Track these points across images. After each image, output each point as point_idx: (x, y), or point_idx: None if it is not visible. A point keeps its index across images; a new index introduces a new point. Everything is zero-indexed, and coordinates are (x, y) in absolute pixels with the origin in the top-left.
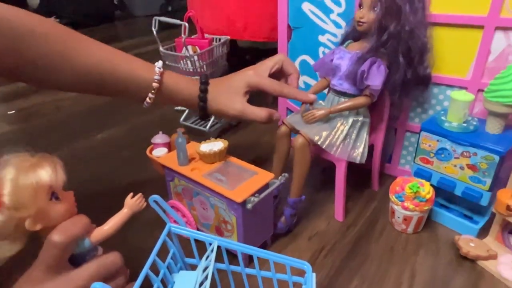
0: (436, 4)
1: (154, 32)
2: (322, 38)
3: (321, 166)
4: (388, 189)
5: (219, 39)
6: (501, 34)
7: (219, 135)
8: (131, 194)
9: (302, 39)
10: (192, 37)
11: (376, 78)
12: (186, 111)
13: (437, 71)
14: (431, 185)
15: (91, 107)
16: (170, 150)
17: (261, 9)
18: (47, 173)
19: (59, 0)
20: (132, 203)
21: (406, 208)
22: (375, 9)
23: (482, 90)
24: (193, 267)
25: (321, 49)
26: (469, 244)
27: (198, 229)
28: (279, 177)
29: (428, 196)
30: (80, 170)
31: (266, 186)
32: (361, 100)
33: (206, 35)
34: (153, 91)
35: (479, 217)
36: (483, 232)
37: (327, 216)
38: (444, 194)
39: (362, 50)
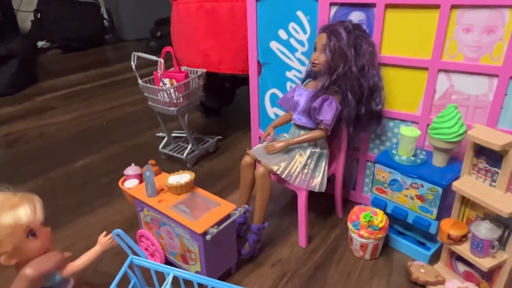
0: (386, 47)
1: (133, 67)
2: (289, 74)
3: (290, 194)
4: None
5: (196, 72)
6: (443, 76)
7: (196, 161)
8: (105, 232)
9: (271, 74)
10: (170, 70)
11: (327, 113)
12: (165, 139)
13: (391, 107)
14: (387, 213)
15: (74, 134)
16: (141, 181)
17: (235, 44)
18: (26, 213)
19: (49, 25)
20: (104, 241)
21: (361, 236)
22: (326, 52)
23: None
24: None
25: (288, 83)
26: (419, 270)
27: (166, 257)
28: (239, 208)
29: (381, 225)
30: (60, 196)
31: (228, 217)
32: (317, 133)
33: (183, 68)
34: None
35: (431, 244)
36: (435, 258)
37: (291, 242)
38: (401, 221)
39: (316, 88)
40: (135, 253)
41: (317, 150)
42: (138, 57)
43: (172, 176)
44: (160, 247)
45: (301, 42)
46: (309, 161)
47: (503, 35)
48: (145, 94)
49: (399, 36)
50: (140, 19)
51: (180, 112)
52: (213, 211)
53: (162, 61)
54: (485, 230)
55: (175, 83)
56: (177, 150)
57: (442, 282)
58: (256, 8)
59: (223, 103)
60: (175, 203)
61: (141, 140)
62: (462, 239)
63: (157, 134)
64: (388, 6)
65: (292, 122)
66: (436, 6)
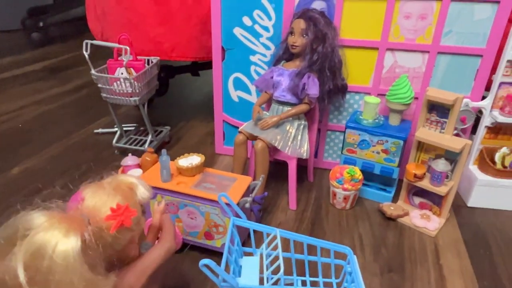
0: (345, 31)
1: (86, 56)
2: (253, 58)
3: None
4: (320, 179)
5: (152, 61)
6: (389, 54)
7: (155, 152)
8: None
9: (234, 59)
10: (120, 58)
11: (313, 88)
12: (118, 133)
13: (347, 81)
14: None
15: None
16: (142, 170)
17: (187, 31)
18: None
19: None
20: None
21: (345, 189)
22: (305, 35)
23: (380, 94)
24: (247, 254)
25: (252, 67)
26: (390, 208)
27: (183, 239)
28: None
29: (360, 177)
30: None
31: (248, 188)
32: (303, 107)
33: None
34: None
35: (390, 188)
36: (394, 198)
37: (282, 207)
38: (364, 174)
39: (298, 67)
40: (237, 215)
41: (302, 122)
42: (26, 48)
43: (181, 159)
44: (178, 230)
45: (266, 28)
46: (297, 132)
47: (432, 21)
48: (99, 85)
49: (355, 22)
50: (4, 7)
51: (141, 102)
52: (235, 184)
53: (128, 48)
54: (442, 165)
55: (133, 72)
56: (133, 143)
57: (408, 213)
58: None
59: (157, 94)
60: (195, 184)
61: (80, 138)
62: (423, 176)
63: (96, 131)
64: None
65: (273, 99)
66: None
